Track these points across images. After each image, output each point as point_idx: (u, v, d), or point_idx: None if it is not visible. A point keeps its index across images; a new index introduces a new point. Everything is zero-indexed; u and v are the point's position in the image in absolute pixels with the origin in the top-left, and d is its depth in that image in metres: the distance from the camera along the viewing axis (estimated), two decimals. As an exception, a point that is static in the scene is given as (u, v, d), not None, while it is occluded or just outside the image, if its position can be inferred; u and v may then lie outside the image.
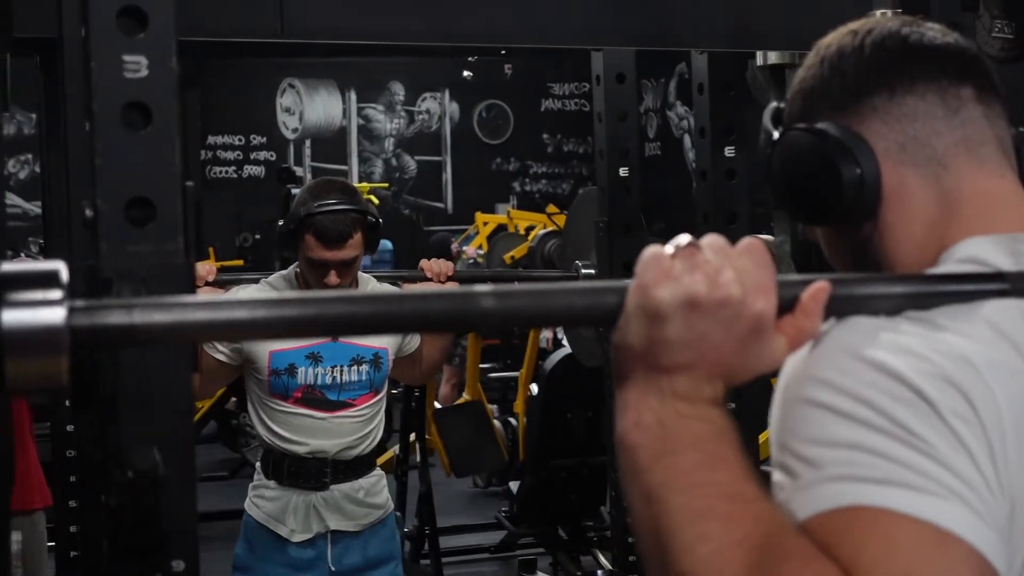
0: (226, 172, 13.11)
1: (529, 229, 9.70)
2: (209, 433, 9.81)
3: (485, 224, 10.42)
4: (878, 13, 2.66)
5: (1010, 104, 1.17)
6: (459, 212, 13.30)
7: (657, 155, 13.40)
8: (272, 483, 3.31)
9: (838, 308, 0.99)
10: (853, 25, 1.19)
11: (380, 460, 7.33)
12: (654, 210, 10.32)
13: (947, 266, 1.06)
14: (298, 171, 12.92)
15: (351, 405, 3.30)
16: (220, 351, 3.19)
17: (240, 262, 10.95)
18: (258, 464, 3.41)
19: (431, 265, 3.44)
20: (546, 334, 7.59)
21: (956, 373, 0.92)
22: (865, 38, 1.16)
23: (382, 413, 3.40)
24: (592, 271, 3.60)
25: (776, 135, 1.18)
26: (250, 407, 3.33)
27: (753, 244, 0.97)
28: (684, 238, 0.97)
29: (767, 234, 3.61)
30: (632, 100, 3.74)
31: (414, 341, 3.41)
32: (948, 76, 1.13)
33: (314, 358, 3.24)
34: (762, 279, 0.95)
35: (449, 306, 0.99)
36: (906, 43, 1.15)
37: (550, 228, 9.35)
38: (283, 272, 3.38)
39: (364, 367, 3.29)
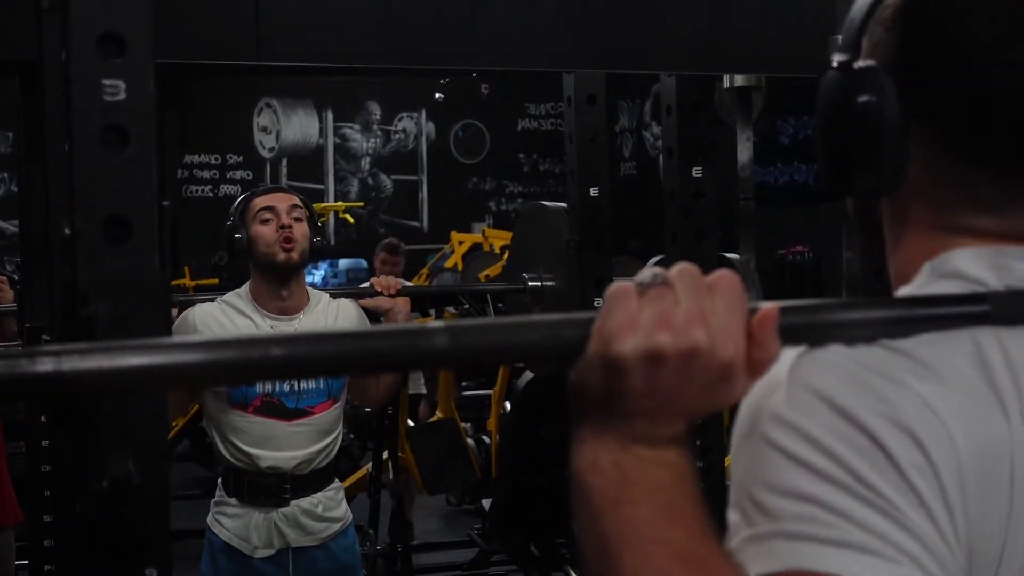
0: (202, 191, 13.11)
1: (504, 248, 9.75)
2: (183, 452, 9.79)
3: (461, 243, 10.46)
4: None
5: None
6: (435, 231, 13.34)
7: (632, 175, 13.47)
8: (233, 500, 3.35)
9: (811, 336, 0.94)
10: None
11: (353, 478, 7.36)
12: (629, 229, 10.39)
13: (926, 281, 0.99)
14: (274, 190, 12.92)
15: (310, 413, 3.33)
16: None
17: (215, 280, 10.95)
18: (219, 480, 3.44)
19: (380, 280, 3.53)
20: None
21: (915, 420, 0.88)
22: None
23: (340, 424, 3.44)
24: (538, 283, 3.65)
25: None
26: (209, 426, 3.36)
27: (725, 279, 0.90)
28: (652, 272, 0.91)
29: (733, 252, 3.67)
30: (603, 121, 3.80)
31: None
32: None
33: None
34: (731, 323, 0.89)
35: (398, 345, 0.91)
36: None
37: (525, 247, 9.40)
38: (238, 290, 3.42)
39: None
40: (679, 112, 3.53)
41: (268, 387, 3.26)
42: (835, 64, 1.01)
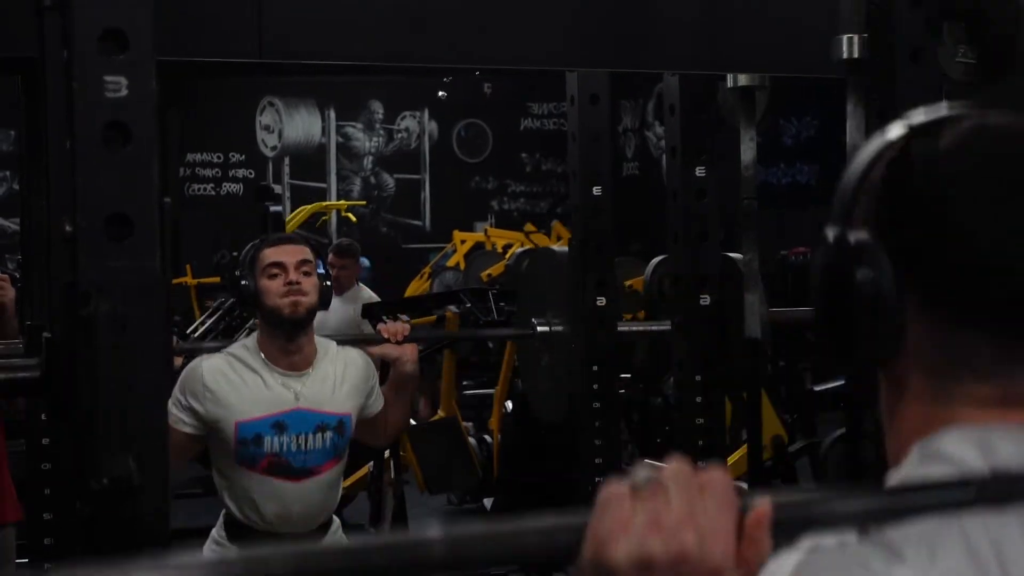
0: (205, 189, 13.11)
1: (507, 247, 9.74)
2: (185, 449, 9.77)
3: (463, 242, 10.45)
4: (844, 39, 2.72)
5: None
6: (437, 230, 13.32)
7: (635, 175, 13.46)
8: (234, 548, 3.34)
9: (802, 530, 0.97)
10: None
11: (354, 476, 7.32)
12: (631, 229, 10.37)
13: (915, 465, 1.02)
14: (276, 189, 12.91)
15: (317, 472, 3.31)
16: (187, 424, 3.22)
17: (217, 279, 10.94)
18: (221, 521, 3.40)
19: (388, 328, 3.51)
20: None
21: None
22: None
23: (342, 476, 3.44)
24: (546, 328, 3.64)
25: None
26: (215, 474, 3.34)
27: (717, 479, 0.93)
28: (645, 473, 0.93)
29: (735, 252, 3.66)
30: (605, 121, 3.80)
31: (376, 404, 3.43)
32: None
33: (279, 427, 3.25)
34: (721, 524, 0.92)
35: (396, 559, 0.96)
36: None
37: (527, 246, 9.38)
38: (245, 342, 3.38)
39: (328, 434, 3.30)
40: (682, 111, 3.53)
41: (275, 448, 3.24)
42: (830, 238, 1.04)
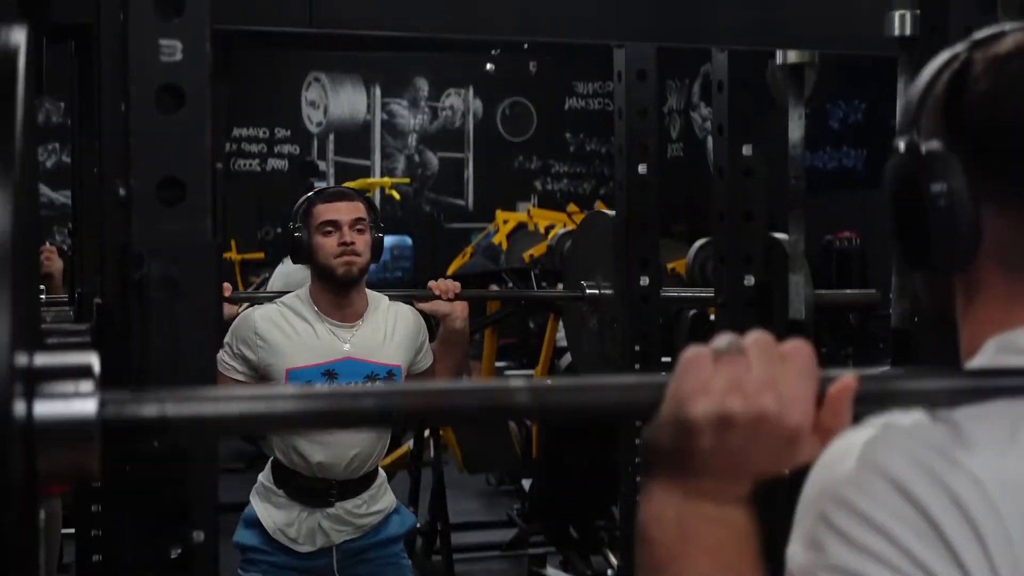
0: (250, 165, 13.15)
1: (549, 228, 9.73)
2: (227, 423, 9.83)
3: (505, 222, 10.45)
4: (896, 15, 2.70)
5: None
6: (480, 209, 13.31)
7: (680, 156, 13.40)
8: (281, 492, 3.37)
9: (882, 405, 1.00)
10: None
11: (394, 455, 7.34)
12: (675, 211, 10.34)
13: (991, 357, 1.03)
14: (321, 165, 12.94)
15: None
16: (238, 371, 3.27)
17: (261, 255, 11.00)
18: (269, 466, 3.44)
19: (438, 284, 3.53)
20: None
21: (966, 496, 0.92)
22: None
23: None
24: (596, 291, 3.63)
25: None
26: None
27: (799, 349, 0.96)
28: (727, 339, 0.96)
29: (782, 232, 3.64)
30: (653, 97, 3.78)
31: (426, 360, 3.48)
32: None
33: (330, 375, 3.31)
34: (801, 391, 0.94)
35: (484, 400, 1.03)
36: None
37: (570, 227, 9.36)
38: (298, 292, 3.42)
39: (378, 384, 3.33)
40: (730, 88, 3.50)
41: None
42: (902, 149, 1.05)
